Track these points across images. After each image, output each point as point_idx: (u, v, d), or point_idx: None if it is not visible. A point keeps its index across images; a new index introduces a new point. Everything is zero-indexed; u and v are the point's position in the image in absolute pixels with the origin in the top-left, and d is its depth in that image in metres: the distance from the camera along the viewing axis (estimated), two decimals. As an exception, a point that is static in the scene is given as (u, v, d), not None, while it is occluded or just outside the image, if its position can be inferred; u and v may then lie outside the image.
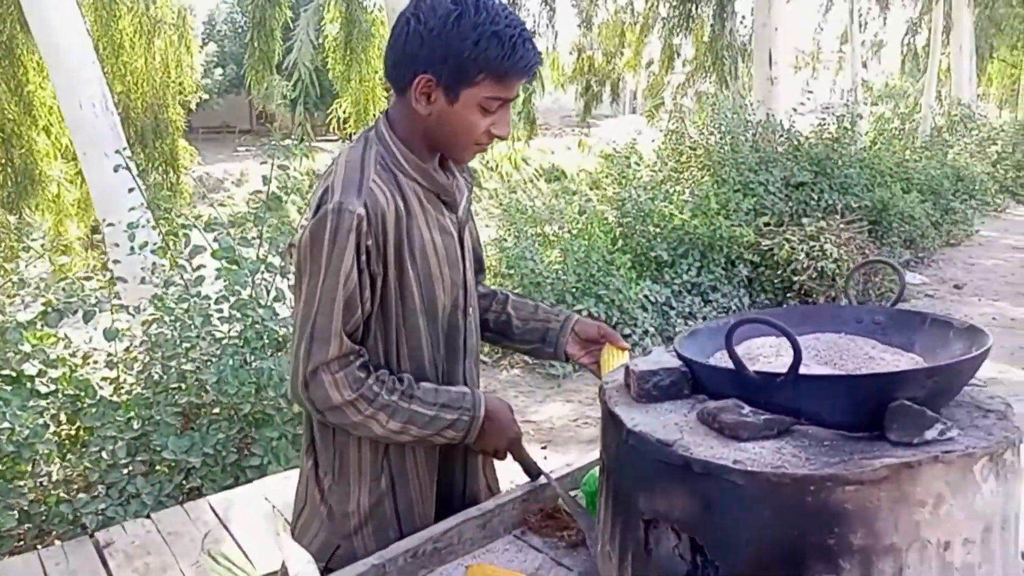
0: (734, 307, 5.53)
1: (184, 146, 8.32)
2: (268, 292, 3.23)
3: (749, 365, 1.08)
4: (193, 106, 8.34)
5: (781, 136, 7.25)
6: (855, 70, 12.49)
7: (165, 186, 8.24)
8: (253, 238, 3.26)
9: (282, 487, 2.24)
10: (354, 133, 9.79)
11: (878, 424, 0.92)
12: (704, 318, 5.34)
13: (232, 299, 2.97)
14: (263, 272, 3.15)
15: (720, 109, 7.51)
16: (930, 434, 0.89)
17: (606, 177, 6.70)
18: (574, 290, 4.98)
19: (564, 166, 15.97)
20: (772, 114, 7.81)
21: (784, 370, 0.93)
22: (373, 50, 8.39)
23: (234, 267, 2.95)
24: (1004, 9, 17.45)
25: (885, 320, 1.21)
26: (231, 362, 2.81)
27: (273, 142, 3.26)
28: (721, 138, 7.17)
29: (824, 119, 7.89)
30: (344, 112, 8.90)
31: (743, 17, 11.67)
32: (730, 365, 1.01)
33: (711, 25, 11.79)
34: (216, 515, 2.06)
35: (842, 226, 6.11)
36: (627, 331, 4.94)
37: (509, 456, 1.34)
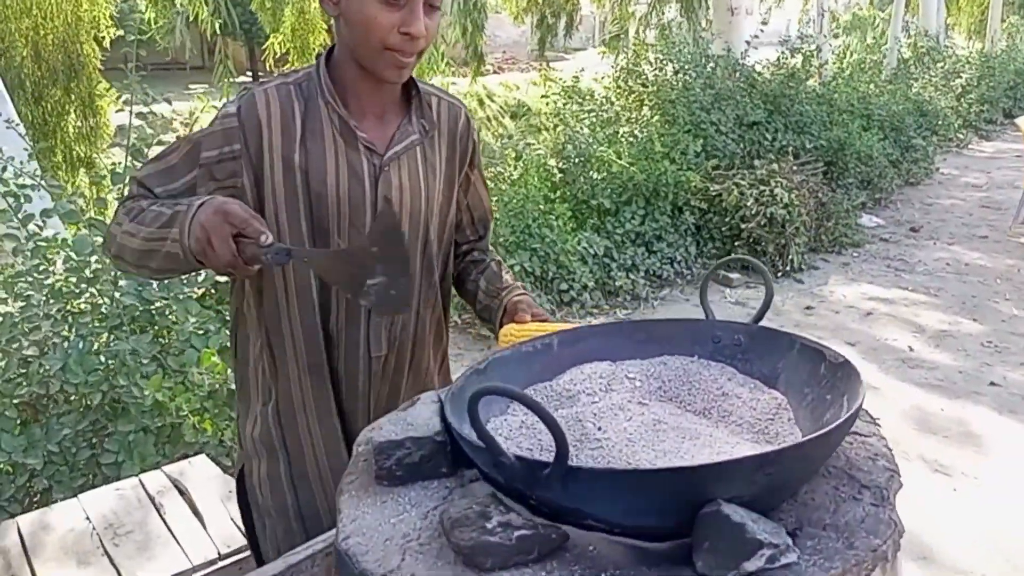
0: (679, 257, 5.25)
1: (105, 86, 7.73)
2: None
3: (563, 408, 0.78)
4: (108, 42, 7.69)
5: (737, 72, 6.87)
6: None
7: (84, 130, 7.70)
8: (115, 197, 2.88)
9: (111, 501, 1.93)
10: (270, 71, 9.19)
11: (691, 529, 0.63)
12: (648, 270, 5.06)
13: (86, 270, 2.61)
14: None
15: (673, 42, 7.09)
16: (751, 565, 0.59)
17: (556, 116, 6.30)
18: (508, 243, 4.65)
19: (531, 102, 15.37)
20: (730, 48, 7.41)
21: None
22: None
23: (84, 232, 2.58)
24: (975, -65, 16.95)
25: (746, 341, 0.91)
26: (81, 345, 2.47)
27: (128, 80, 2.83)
28: (674, 74, 6.78)
29: (784, 52, 7.51)
30: (281, 46, 8.31)
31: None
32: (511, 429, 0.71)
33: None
34: (21, 540, 1.76)
35: (795, 168, 5.81)
36: (564, 286, 4.65)
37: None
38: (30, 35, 7.24)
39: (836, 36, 14.34)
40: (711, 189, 5.49)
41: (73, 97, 7.55)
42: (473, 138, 1.35)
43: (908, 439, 3.22)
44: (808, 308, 4.75)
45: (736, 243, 5.43)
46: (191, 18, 7.84)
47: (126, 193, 1.19)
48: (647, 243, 5.21)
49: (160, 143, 3.09)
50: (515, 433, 0.81)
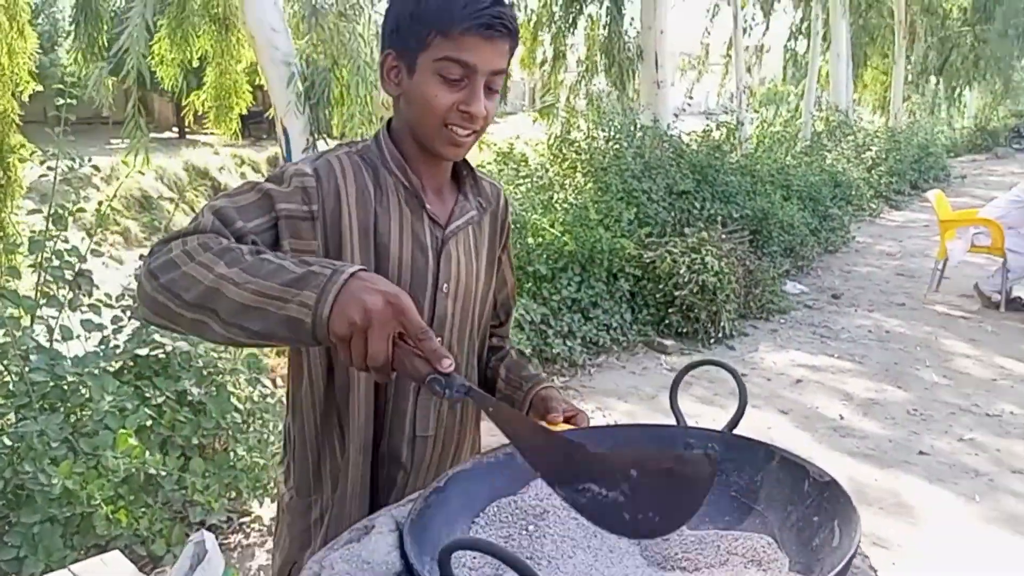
0: (615, 324, 5.27)
1: (20, 141, 7.42)
2: (50, 331, 2.69)
3: (531, 524, 0.72)
4: (29, 96, 7.42)
5: (665, 142, 7.09)
6: (739, 75, 12.62)
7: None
8: (30, 265, 2.70)
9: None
10: (210, 131, 9.01)
11: None
12: (584, 337, 5.05)
13: (-7, 345, 2.42)
14: (41, 307, 2.60)
15: (605, 112, 7.28)
16: None
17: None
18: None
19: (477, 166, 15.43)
20: (658, 119, 7.66)
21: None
22: (234, 38, 7.71)
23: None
24: (876, 19, 18.21)
25: (721, 450, 0.86)
26: (-18, 427, 2.27)
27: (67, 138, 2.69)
28: (606, 143, 6.94)
29: (708, 125, 7.81)
30: (203, 105, 8.15)
31: (632, 19, 11.56)
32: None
33: (603, 25, 11.62)
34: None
35: (723, 236, 5.97)
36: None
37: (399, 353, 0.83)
38: (-62, 89, 6.92)
39: (756, 111, 15.05)
40: (645, 256, 5.57)
41: (-10, 156, 7.21)
42: (508, 219, 1.37)
43: (845, 510, 3.24)
44: (742, 375, 4.81)
45: (670, 310, 5.49)
46: (121, 73, 7.66)
47: (199, 223, 0.99)
48: (583, 310, 5.22)
49: (82, 202, 2.93)
50: (479, 562, 0.74)
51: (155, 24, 6.58)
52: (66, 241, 2.73)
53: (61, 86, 3.07)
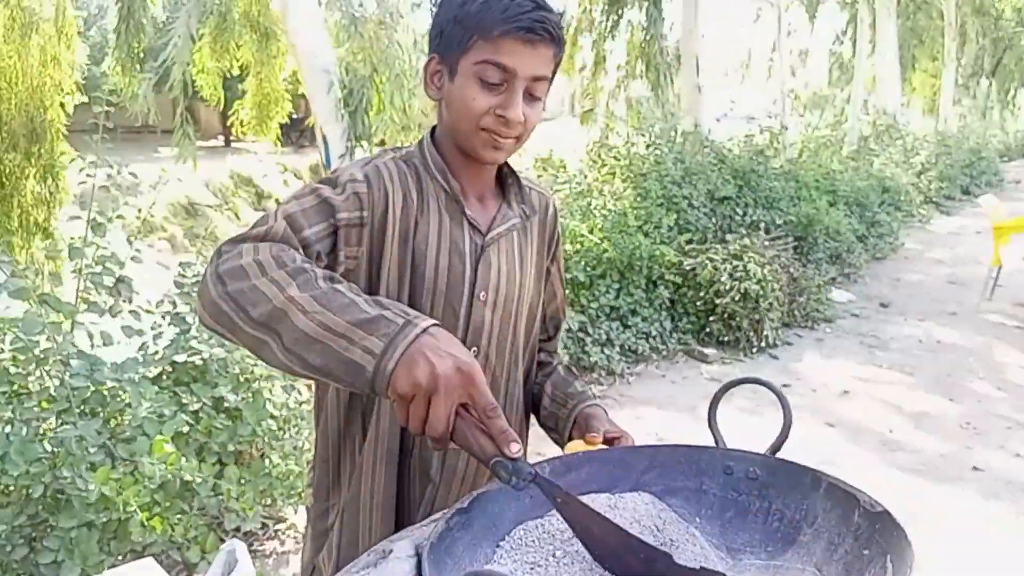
0: (654, 332, 5.18)
1: (64, 150, 7.61)
2: (91, 337, 2.72)
3: (560, 550, 0.68)
4: (74, 106, 7.61)
5: (706, 147, 6.99)
6: (783, 79, 12.43)
7: (43, 195, 7.54)
8: (73, 271, 2.74)
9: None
10: (253, 139, 9.15)
11: None
12: (622, 345, 4.98)
13: (35, 350, 2.45)
14: (82, 312, 2.63)
15: (645, 118, 7.21)
16: None
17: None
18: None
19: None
20: (699, 124, 7.56)
21: None
22: (274, 48, 7.83)
23: (34, 309, 2.43)
24: (924, 21, 17.79)
25: (764, 474, 0.81)
26: (24, 431, 2.29)
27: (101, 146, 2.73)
28: (646, 148, 6.87)
29: (751, 130, 7.68)
30: (247, 115, 8.29)
31: (672, 24, 11.45)
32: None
33: (643, 30, 11.53)
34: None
35: (766, 243, 5.85)
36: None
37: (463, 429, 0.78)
38: (-9, 99, 7.14)
39: (801, 115, 14.79)
40: (685, 263, 5.47)
41: (33, 162, 7.41)
42: (558, 230, 1.34)
43: (894, 528, 3.12)
44: (785, 386, 4.69)
45: (711, 318, 5.39)
46: (168, 83, 7.83)
47: (270, 228, 0.97)
48: (622, 317, 5.15)
49: (122, 209, 2.98)
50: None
51: (198, 34, 6.73)
52: (107, 247, 2.76)
53: (103, 96, 3.11)
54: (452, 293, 1.14)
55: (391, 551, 0.72)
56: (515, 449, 0.73)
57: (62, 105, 7.42)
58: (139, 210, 2.92)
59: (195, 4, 5.20)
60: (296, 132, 16.32)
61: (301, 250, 0.98)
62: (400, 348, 0.76)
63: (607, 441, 1.10)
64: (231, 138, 19.40)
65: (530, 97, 1.09)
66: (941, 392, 4.58)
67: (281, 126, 9.66)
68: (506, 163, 1.23)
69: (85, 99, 7.75)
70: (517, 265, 1.22)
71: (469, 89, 1.06)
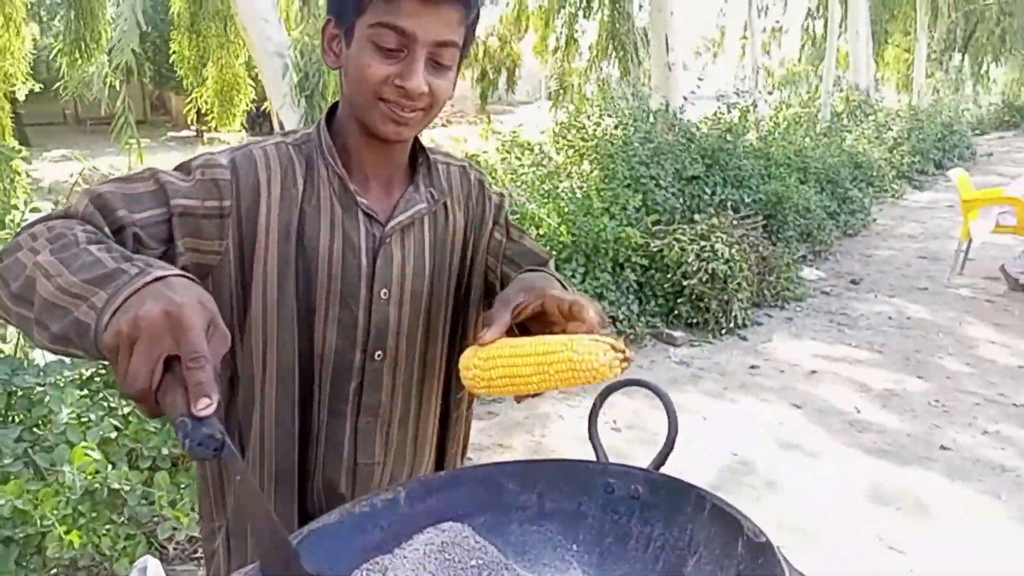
0: (622, 315, 5.09)
1: (13, 144, 7.39)
2: (5, 340, 2.58)
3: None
4: (26, 96, 7.39)
5: (674, 126, 6.87)
6: (755, 56, 12.33)
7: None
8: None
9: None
10: (217, 128, 8.95)
11: None
12: (588, 329, 4.87)
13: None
14: None
15: (611, 97, 7.08)
16: None
17: (490, 172, 6.19)
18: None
19: (478, 155, 15.35)
20: (667, 103, 7.45)
21: None
22: (233, 32, 7.62)
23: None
24: (897, -4, 17.73)
25: (646, 493, 0.70)
26: (-66, 443, 2.16)
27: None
28: (614, 128, 6.74)
29: (721, 107, 7.57)
30: (206, 103, 8.08)
31: (641, 3, 11.32)
32: None
33: (612, 9, 11.40)
34: None
35: (735, 223, 5.76)
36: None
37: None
38: (-60, 92, 6.91)
39: (771, 92, 14.71)
40: (652, 245, 5.37)
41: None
42: (491, 197, 1.18)
43: (861, 512, 3.05)
44: (753, 367, 4.62)
45: (679, 300, 5.30)
46: (126, 72, 7.59)
47: (69, 207, 0.86)
48: (588, 302, 5.04)
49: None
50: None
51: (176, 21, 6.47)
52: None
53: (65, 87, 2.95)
54: (348, 292, 1.03)
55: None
56: (202, 405, 0.59)
57: (9, 96, 7.20)
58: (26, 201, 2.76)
59: (137, -11, 5.02)
60: (265, 120, 16.07)
61: (108, 230, 0.86)
62: (121, 298, 0.66)
63: (522, 318, 0.89)
64: (203, 128, 19.13)
65: (436, 65, 0.97)
66: (910, 370, 4.53)
67: (248, 114, 9.44)
68: (417, 140, 1.10)
69: (38, 88, 7.55)
70: (429, 255, 1.09)
71: (364, 55, 0.94)
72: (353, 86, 0.98)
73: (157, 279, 0.67)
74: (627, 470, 0.73)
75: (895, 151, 11.84)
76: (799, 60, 19.80)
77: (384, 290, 1.04)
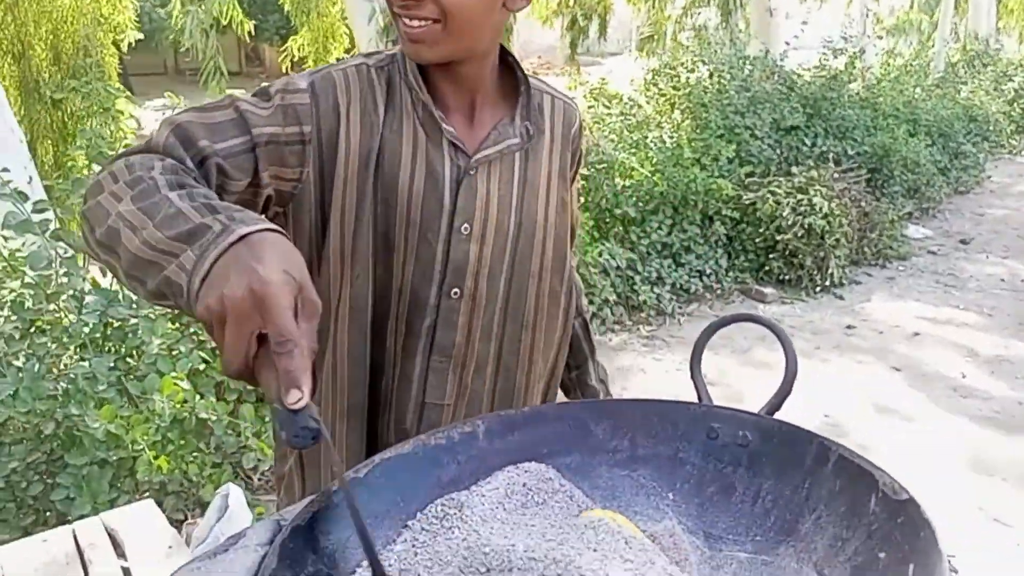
0: (709, 270, 4.91)
1: (122, 91, 7.64)
2: (105, 274, 2.66)
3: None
4: (126, 46, 7.61)
5: (774, 73, 6.52)
6: (864, 1, 11.54)
7: (104, 134, 7.62)
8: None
9: (34, 556, 1.68)
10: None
11: None
12: (674, 284, 4.73)
13: (50, 284, 2.40)
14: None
15: (705, 43, 6.76)
16: None
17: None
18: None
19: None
20: (767, 50, 7.07)
21: None
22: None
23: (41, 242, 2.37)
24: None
25: (756, 440, 0.62)
26: (37, 368, 2.25)
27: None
28: (709, 76, 6.44)
29: (825, 53, 7.13)
30: (300, 50, 8.14)
31: (743, -57, 10.71)
32: None
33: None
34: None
35: (835, 176, 5.44)
36: (585, 300, 4.36)
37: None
38: (49, 39, 7.16)
39: (880, 38, 13.81)
40: (744, 198, 5.14)
41: (91, 103, 7.46)
42: (581, 147, 1.13)
43: (963, 483, 2.87)
44: (849, 327, 4.39)
45: (771, 255, 5.07)
46: (224, 22, 7.70)
47: (150, 140, 0.83)
48: (674, 255, 4.89)
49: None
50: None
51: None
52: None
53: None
54: (428, 224, 0.97)
55: (242, 536, 0.56)
56: (292, 399, 0.55)
57: (115, 44, 7.42)
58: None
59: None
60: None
61: (191, 163, 0.82)
62: (209, 260, 0.61)
63: None
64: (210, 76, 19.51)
65: None
66: (1021, 336, 4.21)
67: (339, 61, 9.49)
68: (519, 68, 1.03)
69: (141, 38, 7.76)
70: (518, 192, 1.02)
71: None
72: None
73: (242, 237, 0.62)
74: (735, 414, 0.65)
75: (1015, 104, 10.96)
76: (911, 6, 18.48)
77: (465, 225, 0.98)
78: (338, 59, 0.90)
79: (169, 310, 2.70)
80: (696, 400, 0.69)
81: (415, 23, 0.89)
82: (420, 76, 0.97)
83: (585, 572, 0.48)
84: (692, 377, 0.70)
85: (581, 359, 1.26)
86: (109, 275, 2.70)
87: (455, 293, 0.99)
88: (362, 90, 0.95)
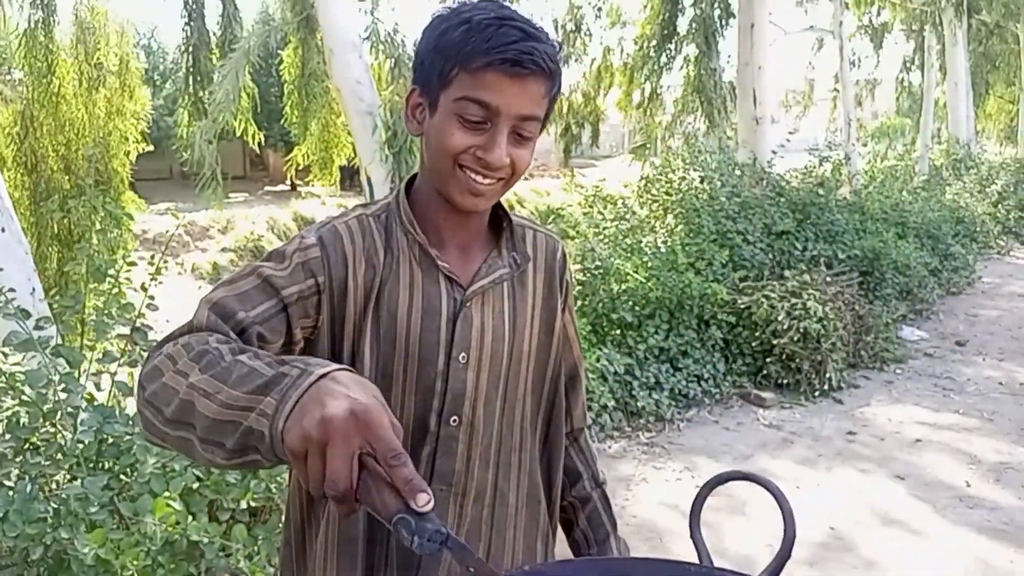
0: (707, 374, 4.91)
1: (131, 198, 7.85)
2: (99, 388, 2.66)
3: None
4: (140, 155, 7.87)
5: (763, 180, 6.72)
6: (847, 108, 12.01)
7: (108, 241, 7.77)
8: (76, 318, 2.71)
9: None
10: (315, 183, 9.31)
11: None
12: (672, 389, 4.72)
13: (46, 403, 2.39)
14: (90, 363, 2.58)
15: (695, 151, 7.00)
16: None
17: (573, 227, 6.16)
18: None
19: (561, 208, 15.47)
20: (755, 156, 7.31)
21: None
22: (332, 92, 7.95)
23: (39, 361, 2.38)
24: (999, 46, 17.08)
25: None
26: (29, 489, 2.21)
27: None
28: (700, 182, 6.63)
29: (812, 160, 7.36)
30: (305, 159, 8.41)
31: (728, 56, 11.24)
32: None
33: (697, 63, 11.36)
34: None
35: (828, 279, 5.53)
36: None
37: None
38: (61, 150, 7.42)
39: (864, 144, 14.30)
40: (739, 302, 5.20)
41: (99, 209, 7.65)
42: (567, 277, 1.18)
43: (974, 599, 2.79)
44: (850, 434, 4.36)
45: (768, 359, 5.09)
46: (235, 132, 7.98)
47: (193, 320, 0.89)
48: (672, 359, 4.90)
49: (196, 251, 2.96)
50: None
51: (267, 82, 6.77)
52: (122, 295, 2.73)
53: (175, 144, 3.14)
54: (427, 356, 1.00)
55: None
56: (422, 501, 0.57)
57: (127, 155, 7.69)
58: (152, 256, 2.86)
59: (241, 55, 5.28)
60: (355, 175, 16.70)
61: (234, 335, 0.87)
62: (292, 401, 0.64)
63: None
64: (297, 183, 20.01)
65: (518, 138, 0.96)
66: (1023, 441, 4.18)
67: (342, 170, 9.79)
68: (499, 205, 1.09)
69: (151, 148, 8.06)
70: (509, 320, 1.07)
71: (447, 126, 0.94)
72: (434, 154, 0.98)
73: (322, 376, 0.66)
74: None
75: (1000, 206, 11.26)
76: (896, 112, 19.21)
77: (463, 354, 1.02)
78: (344, 167, 0.96)
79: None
80: (697, 561, 0.69)
81: (487, 181, 0.96)
82: (415, 220, 1.02)
83: None
84: (692, 536, 0.71)
85: (603, 535, 1.22)
86: (104, 390, 2.70)
87: (454, 420, 1.02)
88: (364, 238, 1.01)
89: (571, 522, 1.25)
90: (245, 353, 0.77)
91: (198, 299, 0.94)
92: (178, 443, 0.77)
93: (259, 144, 7.91)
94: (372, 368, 0.99)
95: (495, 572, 0.58)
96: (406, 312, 1.00)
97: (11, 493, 2.16)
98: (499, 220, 1.10)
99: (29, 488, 2.21)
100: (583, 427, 1.27)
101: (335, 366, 0.68)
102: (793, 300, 5.10)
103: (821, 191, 6.75)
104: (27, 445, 2.40)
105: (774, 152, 7.18)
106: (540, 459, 1.16)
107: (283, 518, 1.14)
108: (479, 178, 0.96)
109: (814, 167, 7.27)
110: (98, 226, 7.87)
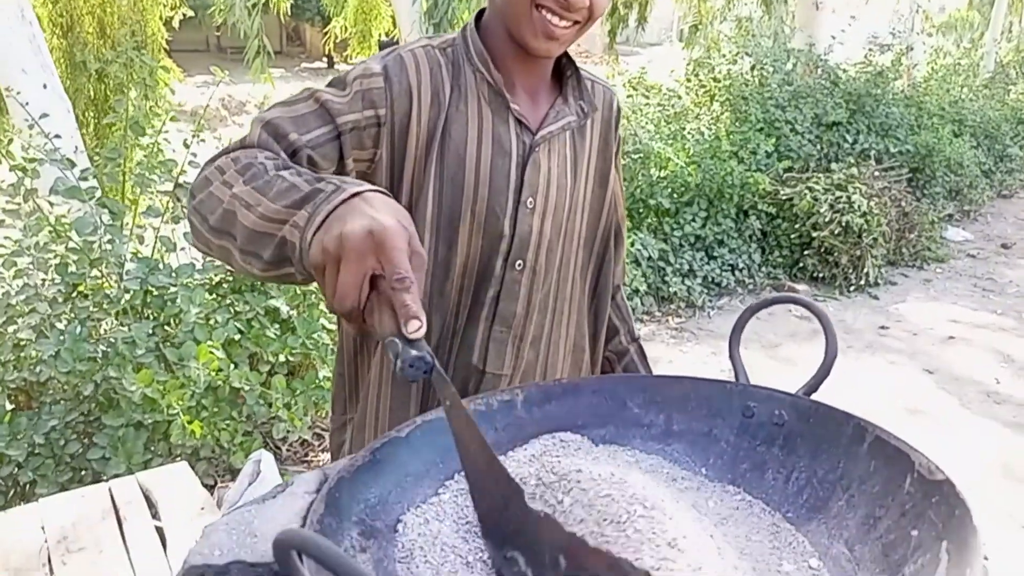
0: (742, 264, 4.87)
1: (167, 65, 7.74)
2: (142, 241, 2.72)
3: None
4: (179, 22, 7.71)
5: (818, 68, 6.41)
6: (913, -4, 11.28)
7: (144, 108, 7.73)
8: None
9: (73, 509, 1.74)
10: (353, 57, 9.10)
11: None
12: (706, 277, 4.71)
13: (94, 249, 2.45)
14: (135, 217, 2.63)
15: (751, 35, 6.67)
16: None
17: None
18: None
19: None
20: (813, 44, 6.95)
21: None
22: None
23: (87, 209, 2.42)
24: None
25: (792, 420, 0.62)
26: (79, 330, 2.31)
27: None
28: (751, 69, 6.35)
29: (871, 49, 6.99)
30: (342, 31, 8.18)
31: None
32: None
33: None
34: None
35: (876, 174, 5.36)
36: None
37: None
38: (96, 11, 7.27)
39: (930, 35, 13.50)
40: (781, 193, 5.09)
41: (134, 75, 7.57)
42: (620, 131, 1.17)
43: (992, 489, 2.83)
44: (882, 328, 4.33)
45: (806, 252, 5.02)
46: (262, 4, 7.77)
47: (245, 137, 0.89)
48: (707, 248, 4.86)
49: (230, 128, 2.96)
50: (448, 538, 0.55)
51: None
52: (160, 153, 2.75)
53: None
54: (495, 199, 1.00)
55: (291, 483, 0.58)
56: (413, 328, 0.57)
57: (164, 20, 7.52)
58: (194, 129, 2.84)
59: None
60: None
61: (284, 155, 0.86)
62: (321, 215, 0.65)
63: None
64: (334, 59, 19.59)
65: None
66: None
67: (380, 46, 9.54)
68: (565, 54, 1.06)
69: (191, 14, 7.86)
70: (570, 169, 1.06)
71: None
72: None
73: (355, 195, 0.66)
74: (772, 393, 0.65)
75: (1067, 107, 10.66)
76: (968, 5, 18.00)
77: (531, 199, 1.01)
78: (384, 42, 0.92)
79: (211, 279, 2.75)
80: (733, 379, 0.70)
81: (564, 23, 0.93)
82: (487, 57, 1.00)
83: (636, 491, 0.51)
84: (731, 356, 0.71)
85: None
86: (149, 244, 2.76)
87: (519, 265, 1.02)
88: (431, 69, 0.98)
89: (609, 374, 1.27)
90: (288, 169, 0.78)
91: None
92: (220, 252, 0.80)
93: (287, 15, 7.68)
94: (435, 210, 0.98)
95: (465, 410, 0.58)
96: (475, 153, 0.98)
97: (62, 335, 2.25)
98: (560, 67, 1.08)
99: (79, 330, 2.30)
100: (620, 285, 1.27)
101: (369, 187, 0.68)
102: (838, 193, 4.97)
103: (878, 82, 6.44)
104: (75, 292, 2.48)
105: (833, 38, 6.80)
106: (588, 310, 1.18)
107: (335, 350, 1.16)
108: (556, 19, 0.93)
109: (873, 56, 6.91)
110: (134, 92, 7.84)
